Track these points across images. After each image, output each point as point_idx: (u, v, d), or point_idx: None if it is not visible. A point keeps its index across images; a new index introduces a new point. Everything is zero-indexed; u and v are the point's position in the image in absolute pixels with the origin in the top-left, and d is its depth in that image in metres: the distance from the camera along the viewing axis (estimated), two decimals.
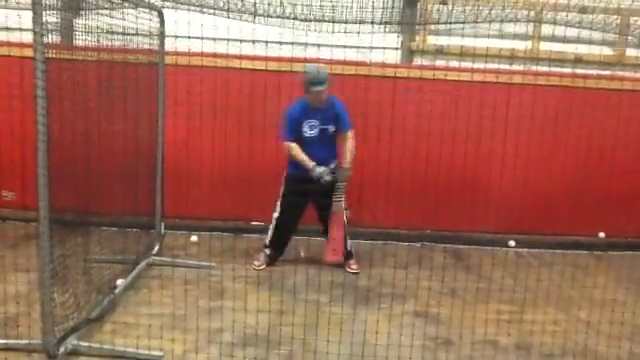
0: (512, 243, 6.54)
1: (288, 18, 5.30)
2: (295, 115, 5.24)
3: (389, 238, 6.39)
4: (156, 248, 5.47)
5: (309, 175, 5.15)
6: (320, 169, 5.15)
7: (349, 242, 5.54)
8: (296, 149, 5.21)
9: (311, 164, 5.16)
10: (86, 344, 3.69)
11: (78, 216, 4.08)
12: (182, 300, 4.23)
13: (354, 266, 5.53)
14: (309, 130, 5.24)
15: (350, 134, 5.30)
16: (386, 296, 4.76)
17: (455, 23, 5.55)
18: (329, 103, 5.24)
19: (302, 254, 5.90)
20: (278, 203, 5.43)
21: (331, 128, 5.27)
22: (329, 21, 5.44)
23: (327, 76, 5.14)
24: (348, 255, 5.55)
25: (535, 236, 6.67)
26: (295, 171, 5.30)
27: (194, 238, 6.07)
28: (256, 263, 5.49)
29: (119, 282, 4.57)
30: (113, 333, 3.84)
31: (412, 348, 3.82)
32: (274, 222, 5.48)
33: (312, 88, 5.11)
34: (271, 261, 5.53)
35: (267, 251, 5.53)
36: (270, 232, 5.51)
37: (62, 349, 3.54)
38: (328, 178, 5.16)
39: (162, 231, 5.58)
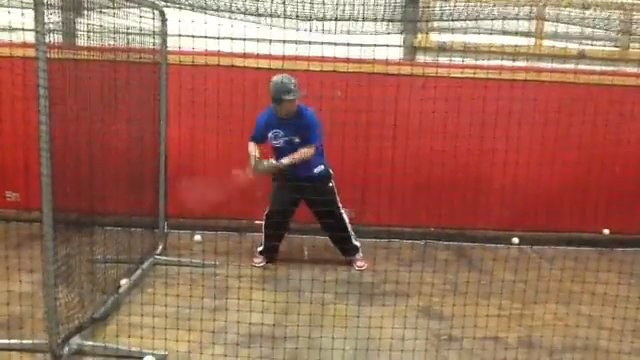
0: (516, 240, 6.52)
1: (290, 18, 5.28)
2: (260, 122, 5.31)
3: (393, 236, 6.38)
4: (160, 247, 5.48)
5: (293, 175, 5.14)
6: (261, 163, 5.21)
7: (355, 240, 5.55)
8: (250, 146, 5.32)
9: (253, 159, 5.21)
10: (90, 344, 3.70)
11: (82, 216, 4.09)
12: (186, 299, 4.23)
13: (359, 263, 5.55)
14: (274, 139, 5.25)
15: (309, 147, 5.17)
16: (390, 293, 4.76)
17: (457, 20, 5.53)
18: (298, 113, 5.18)
19: (306, 253, 5.91)
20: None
21: (295, 139, 5.18)
22: (332, 19, 5.43)
23: (293, 86, 5.07)
24: (354, 251, 5.57)
25: (539, 233, 6.65)
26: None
27: (198, 237, 6.06)
28: (256, 260, 5.53)
29: (123, 282, 4.58)
30: (118, 333, 3.83)
31: (416, 344, 3.83)
32: (264, 223, 5.48)
33: (278, 97, 5.07)
34: (269, 260, 5.56)
35: (262, 256, 5.56)
36: (262, 238, 5.51)
37: (67, 349, 3.56)
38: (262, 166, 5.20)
39: (165, 230, 5.58)
